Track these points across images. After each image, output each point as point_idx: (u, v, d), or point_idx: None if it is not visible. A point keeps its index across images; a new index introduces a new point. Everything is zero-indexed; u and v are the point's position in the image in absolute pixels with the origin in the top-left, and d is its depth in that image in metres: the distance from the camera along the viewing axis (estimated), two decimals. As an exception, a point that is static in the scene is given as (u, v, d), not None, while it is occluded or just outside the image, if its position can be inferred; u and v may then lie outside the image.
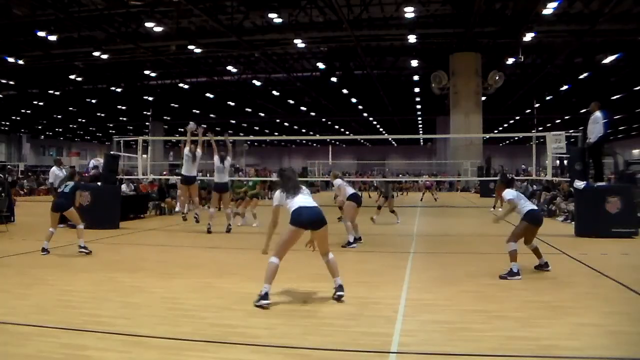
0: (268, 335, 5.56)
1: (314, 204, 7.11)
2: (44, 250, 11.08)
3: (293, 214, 6.95)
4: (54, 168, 17.06)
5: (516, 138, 73.29)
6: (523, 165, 54.53)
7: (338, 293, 6.99)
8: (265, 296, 6.65)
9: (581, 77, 40.20)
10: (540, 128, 60.47)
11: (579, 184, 13.83)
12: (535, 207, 9.08)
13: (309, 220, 6.94)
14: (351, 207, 12.43)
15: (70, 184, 11.65)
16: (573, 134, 16.42)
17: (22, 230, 15.73)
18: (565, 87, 45.07)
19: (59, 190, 11.90)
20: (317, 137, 52.50)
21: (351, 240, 12.14)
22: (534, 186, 25.49)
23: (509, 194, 9.02)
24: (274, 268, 6.85)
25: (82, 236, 11.27)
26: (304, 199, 7.08)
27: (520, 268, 8.52)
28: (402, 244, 13.07)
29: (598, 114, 13.72)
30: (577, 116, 49.36)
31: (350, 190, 12.75)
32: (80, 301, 6.98)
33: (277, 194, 7.28)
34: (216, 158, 15.49)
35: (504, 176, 10.34)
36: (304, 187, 7.32)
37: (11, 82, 44.29)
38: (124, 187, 20.28)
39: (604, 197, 13.51)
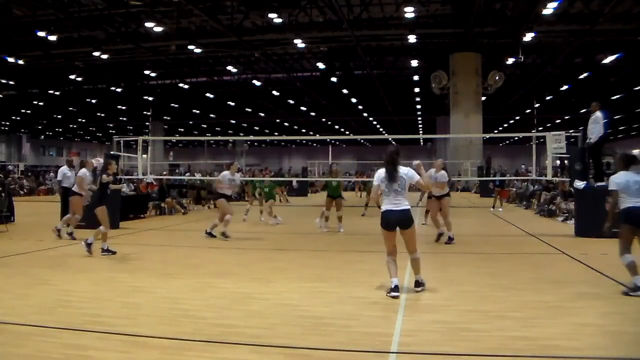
0: (268, 335, 5.57)
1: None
2: (103, 250, 11.02)
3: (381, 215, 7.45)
4: (64, 167, 17.01)
5: (516, 138, 73.39)
6: (523, 165, 54.58)
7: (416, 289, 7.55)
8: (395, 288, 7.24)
9: (581, 77, 40.18)
10: (540, 128, 60.49)
11: (579, 184, 13.84)
12: None
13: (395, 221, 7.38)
14: (444, 204, 13.02)
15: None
16: (573, 134, 16.41)
17: (22, 230, 15.76)
18: (565, 87, 45.06)
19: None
20: (317, 137, 52.46)
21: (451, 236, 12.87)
22: (535, 186, 25.53)
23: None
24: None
25: (105, 239, 11.18)
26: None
27: None
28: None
29: (598, 114, 13.72)
30: (577, 116, 49.40)
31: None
32: (80, 301, 6.98)
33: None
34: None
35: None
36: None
37: (11, 82, 44.27)
38: (124, 186, 20.27)
39: (604, 197, 13.49)
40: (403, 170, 7.47)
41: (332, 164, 17.11)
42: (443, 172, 13.04)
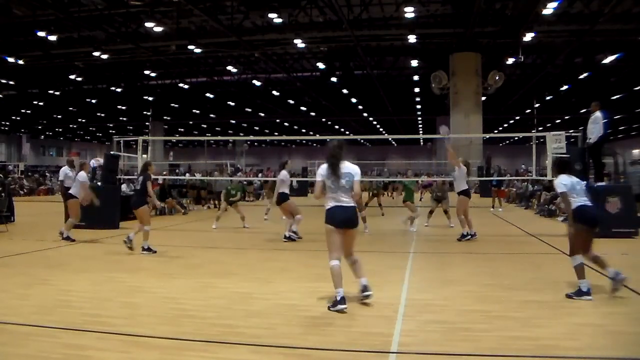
0: (268, 335, 5.57)
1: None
2: (144, 249, 11.26)
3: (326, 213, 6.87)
4: (65, 167, 17.05)
5: (516, 138, 73.37)
6: (523, 166, 54.50)
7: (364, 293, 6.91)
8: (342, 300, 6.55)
9: (581, 77, 40.17)
10: (540, 128, 60.46)
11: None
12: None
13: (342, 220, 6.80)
14: (465, 201, 13.39)
15: (141, 178, 11.61)
16: (573, 134, 16.42)
17: (22, 230, 15.76)
18: (565, 87, 45.05)
19: (134, 188, 12.06)
20: (317, 137, 52.38)
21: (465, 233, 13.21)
22: (535, 186, 25.53)
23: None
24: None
25: (147, 237, 11.41)
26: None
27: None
28: (402, 244, 13.09)
29: (598, 114, 13.71)
30: (577, 116, 49.35)
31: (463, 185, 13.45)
32: (81, 301, 6.98)
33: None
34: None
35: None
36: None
37: (11, 82, 44.26)
38: (124, 187, 20.29)
39: (604, 197, 13.52)
40: (349, 166, 6.95)
41: None
42: (463, 168, 13.45)
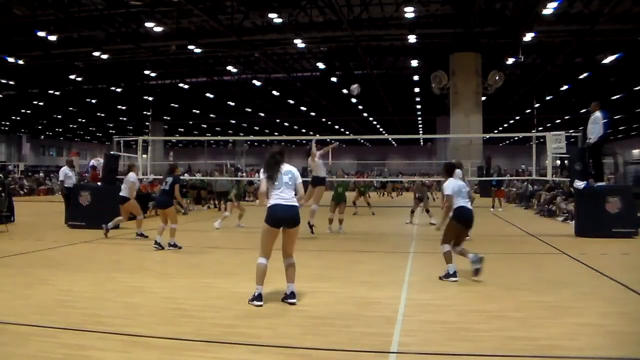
0: (268, 336, 5.57)
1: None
2: (155, 243, 11.75)
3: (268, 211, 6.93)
4: (65, 168, 17.14)
5: (516, 138, 73.32)
6: (523, 166, 54.52)
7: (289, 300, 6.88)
8: (259, 297, 6.77)
9: (581, 77, 40.17)
10: (540, 128, 60.46)
11: (579, 184, 13.85)
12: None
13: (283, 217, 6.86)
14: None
15: (170, 179, 12.06)
16: (573, 134, 16.42)
17: (22, 230, 15.75)
18: (565, 87, 45.03)
19: (161, 187, 12.60)
20: (317, 137, 52.30)
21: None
22: (535, 186, 25.53)
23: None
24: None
25: (174, 234, 11.96)
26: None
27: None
28: (401, 244, 13.09)
29: (598, 114, 13.73)
30: (577, 116, 49.35)
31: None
32: (80, 301, 6.99)
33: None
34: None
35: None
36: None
37: (11, 82, 44.22)
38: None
39: (604, 197, 13.53)
40: (290, 167, 7.10)
41: (340, 169, 16.85)
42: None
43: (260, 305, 6.64)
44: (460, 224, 8.56)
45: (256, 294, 6.74)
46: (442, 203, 9.04)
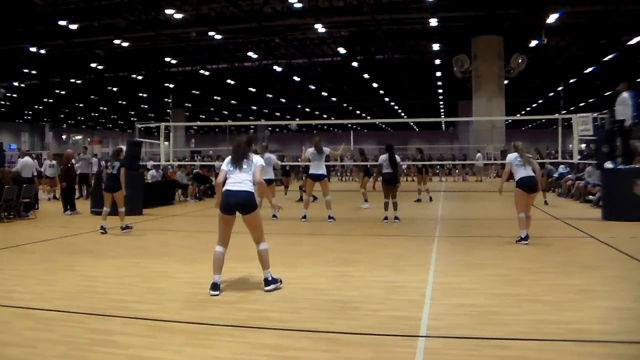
0: (295, 320, 5.53)
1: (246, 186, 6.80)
2: (102, 228, 11.91)
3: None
4: (81, 154, 17.35)
5: (542, 121, 72.36)
6: (547, 149, 53.99)
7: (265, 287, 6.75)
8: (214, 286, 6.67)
9: (606, 59, 39.60)
10: (564, 111, 59.82)
11: (609, 165, 13.60)
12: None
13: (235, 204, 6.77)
14: (519, 195, 10.17)
15: (117, 163, 12.23)
16: (600, 116, 16.13)
17: (46, 217, 15.90)
18: (589, 69, 44.43)
19: (108, 172, 12.38)
20: (336, 121, 52.10)
21: (522, 235, 10.07)
22: (560, 169, 25.19)
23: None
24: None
25: (123, 218, 12.26)
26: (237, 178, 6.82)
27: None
28: (426, 228, 13.00)
29: (626, 94, 13.48)
30: (601, 99, 48.71)
31: (521, 174, 10.18)
32: (106, 287, 7.01)
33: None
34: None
35: None
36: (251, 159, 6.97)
37: (33, 72, 44.53)
38: (153, 172, 20.35)
39: (631, 180, 13.28)
40: (253, 157, 7.02)
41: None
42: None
43: (217, 295, 6.52)
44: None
45: (212, 282, 6.64)
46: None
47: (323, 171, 14.12)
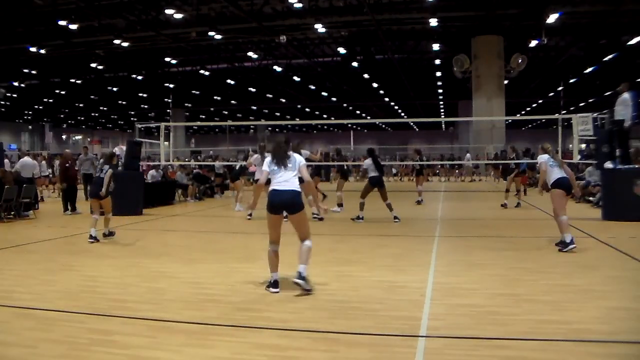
0: (295, 320, 5.53)
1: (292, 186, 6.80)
2: (91, 237, 10.76)
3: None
4: (81, 156, 17.41)
5: (542, 121, 72.24)
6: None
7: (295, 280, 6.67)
8: (274, 284, 6.72)
9: (606, 59, 39.59)
10: (564, 112, 59.80)
11: (609, 165, 13.60)
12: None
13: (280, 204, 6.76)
14: (560, 196, 9.60)
15: (107, 167, 11.30)
16: (600, 116, 16.12)
17: (46, 217, 15.91)
18: (589, 70, 44.42)
19: (96, 175, 11.58)
20: (336, 121, 52.15)
21: (567, 240, 9.31)
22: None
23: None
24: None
25: (107, 224, 11.33)
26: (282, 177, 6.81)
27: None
28: (426, 228, 12.99)
29: (626, 95, 13.48)
30: (601, 99, 48.70)
31: (557, 174, 9.63)
32: (106, 287, 7.01)
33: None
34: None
35: None
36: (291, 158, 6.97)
37: (33, 72, 44.53)
38: (153, 172, 20.37)
39: (631, 180, 13.28)
40: (295, 156, 7.04)
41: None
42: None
43: (277, 292, 6.58)
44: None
45: (271, 280, 6.72)
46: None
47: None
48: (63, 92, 55.27)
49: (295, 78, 49.39)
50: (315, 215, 14.00)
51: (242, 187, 18.54)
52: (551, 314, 5.61)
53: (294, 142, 14.85)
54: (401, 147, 64.88)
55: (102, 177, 11.10)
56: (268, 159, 6.97)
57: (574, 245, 9.07)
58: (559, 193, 9.49)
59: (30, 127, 75.78)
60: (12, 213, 15.06)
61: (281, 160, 6.84)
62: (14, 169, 17.25)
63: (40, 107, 66.81)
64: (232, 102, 65.27)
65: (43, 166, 21.56)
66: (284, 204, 6.72)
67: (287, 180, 6.74)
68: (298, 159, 6.95)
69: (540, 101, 61.47)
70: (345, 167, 20.08)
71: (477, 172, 39.67)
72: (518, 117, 65.83)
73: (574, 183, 10.25)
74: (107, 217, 11.31)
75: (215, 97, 62.16)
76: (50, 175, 24.00)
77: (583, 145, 22.38)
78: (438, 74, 47.03)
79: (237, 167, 19.70)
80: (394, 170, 41.94)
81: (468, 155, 36.65)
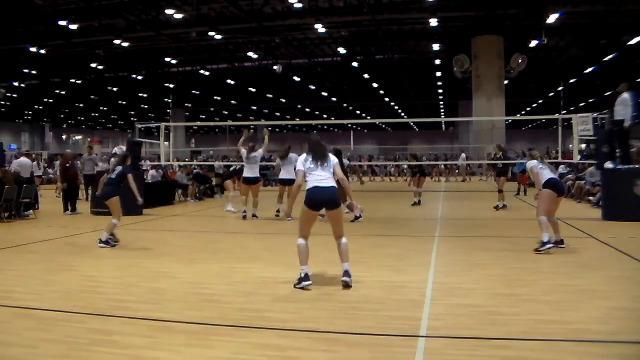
0: (295, 320, 5.53)
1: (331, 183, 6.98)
2: (106, 242, 10.20)
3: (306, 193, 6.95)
4: (85, 155, 17.40)
5: (542, 121, 72.17)
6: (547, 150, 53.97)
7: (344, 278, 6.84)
8: (306, 277, 6.79)
9: (606, 59, 39.57)
10: (564, 112, 59.79)
11: (609, 165, 13.60)
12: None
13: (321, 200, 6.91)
14: (547, 197, 9.56)
15: (119, 168, 10.81)
16: (600, 116, 16.12)
17: (46, 217, 15.90)
18: (589, 70, 44.41)
19: (108, 176, 11.01)
20: (336, 121, 52.15)
21: (545, 240, 9.14)
22: (560, 169, 25.17)
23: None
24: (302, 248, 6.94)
25: (113, 230, 10.44)
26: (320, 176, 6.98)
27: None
28: (426, 228, 12.99)
29: (626, 95, 13.47)
30: (601, 99, 48.68)
31: (547, 175, 9.60)
32: (106, 287, 7.02)
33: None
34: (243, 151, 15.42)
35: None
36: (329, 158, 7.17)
37: (33, 72, 44.48)
38: (153, 172, 20.37)
39: (631, 180, 13.28)
40: (330, 156, 7.23)
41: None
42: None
43: (309, 284, 6.68)
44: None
45: (302, 274, 6.79)
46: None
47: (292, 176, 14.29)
48: (63, 92, 55.21)
49: (295, 78, 49.34)
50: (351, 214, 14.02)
51: (232, 188, 18.54)
52: (551, 314, 5.62)
53: (281, 147, 15.15)
54: (401, 147, 64.96)
55: (113, 177, 10.70)
56: (302, 158, 7.14)
57: (550, 246, 9.02)
58: (547, 193, 9.47)
59: (30, 127, 75.79)
60: (12, 213, 15.05)
61: (321, 158, 7.02)
62: (12, 169, 17.22)
63: (40, 107, 66.75)
64: (232, 102, 65.24)
65: (34, 166, 21.55)
66: (326, 201, 6.90)
67: (326, 178, 6.93)
68: (333, 159, 7.16)
69: (540, 101, 61.42)
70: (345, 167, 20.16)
71: (476, 172, 39.64)
72: (518, 117, 65.73)
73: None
74: (114, 223, 10.35)
75: (215, 97, 62.11)
76: (43, 176, 23.97)
77: (583, 145, 22.39)
78: (438, 74, 46.99)
79: (232, 169, 19.70)
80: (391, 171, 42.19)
81: (463, 155, 36.60)
